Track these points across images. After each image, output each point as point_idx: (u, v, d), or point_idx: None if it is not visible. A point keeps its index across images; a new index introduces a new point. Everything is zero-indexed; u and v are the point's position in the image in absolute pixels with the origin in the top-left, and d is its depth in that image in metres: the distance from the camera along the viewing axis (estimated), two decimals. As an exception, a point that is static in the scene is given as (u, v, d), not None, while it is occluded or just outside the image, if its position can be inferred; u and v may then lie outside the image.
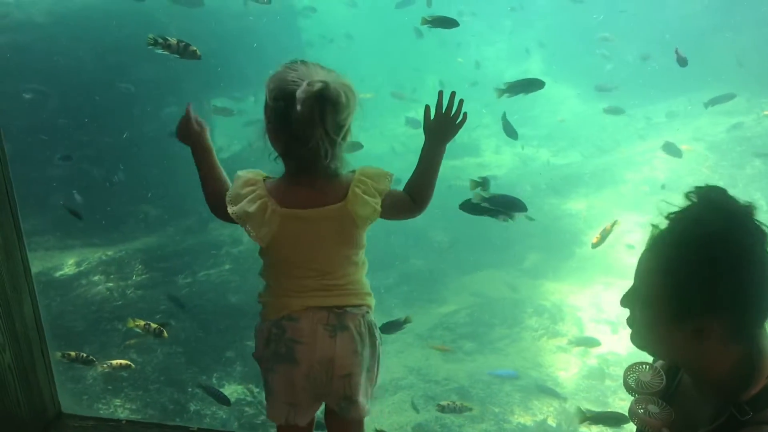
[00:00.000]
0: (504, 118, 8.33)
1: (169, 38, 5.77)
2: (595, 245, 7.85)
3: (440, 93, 2.27)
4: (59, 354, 5.91)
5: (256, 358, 2.30)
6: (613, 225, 7.68)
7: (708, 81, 14.05)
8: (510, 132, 8.49)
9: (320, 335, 2.17)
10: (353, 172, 2.21)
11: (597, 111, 16.30)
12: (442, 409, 7.10)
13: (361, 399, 2.24)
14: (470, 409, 7.30)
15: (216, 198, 2.25)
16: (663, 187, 12.73)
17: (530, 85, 6.59)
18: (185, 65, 6.32)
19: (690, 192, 1.73)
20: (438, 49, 18.63)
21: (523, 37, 21.43)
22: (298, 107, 1.97)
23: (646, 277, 1.79)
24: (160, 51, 5.65)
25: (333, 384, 2.20)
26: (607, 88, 14.21)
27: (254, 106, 13.17)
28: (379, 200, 2.18)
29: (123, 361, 6.76)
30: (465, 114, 2.27)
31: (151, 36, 5.63)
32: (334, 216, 2.15)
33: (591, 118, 17.22)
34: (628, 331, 1.91)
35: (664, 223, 1.76)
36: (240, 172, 2.23)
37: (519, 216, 5.11)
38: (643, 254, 1.81)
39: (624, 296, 1.88)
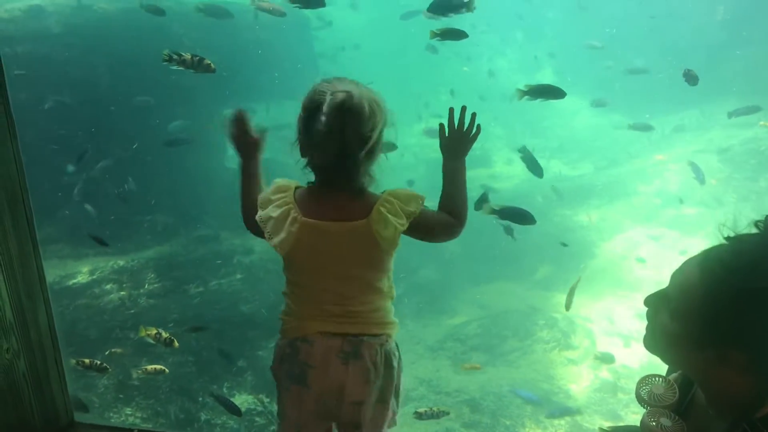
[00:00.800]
0: (527, 152, 7.75)
1: (183, 53, 5.84)
2: (567, 307, 7.77)
3: (451, 110, 2.27)
4: (73, 361, 5.94)
5: (273, 371, 2.29)
6: (577, 282, 7.64)
7: (720, 93, 14.00)
8: (534, 169, 7.81)
9: (333, 362, 2.14)
10: (383, 192, 2.17)
11: (608, 122, 16.27)
12: (420, 416, 7.02)
13: (369, 428, 2.22)
14: (447, 413, 7.26)
15: (252, 209, 2.24)
16: (681, 201, 12.66)
17: (551, 91, 6.44)
18: (198, 75, 6.35)
19: (760, 221, 1.67)
20: (449, 60, 18.63)
21: (535, 49, 21.40)
22: (323, 118, 1.96)
23: (685, 292, 1.72)
24: (174, 67, 5.71)
25: (343, 409, 2.18)
26: (604, 103, 14.14)
27: (265, 116, 13.23)
28: (404, 221, 2.11)
29: (158, 366, 6.77)
30: (479, 126, 2.26)
31: (165, 52, 5.70)
32: (354, 233, 2.10)
33: (603, 130, 17.16)
34: (641, 345, 1.88)
35: (723, 244, 1.68)
36: (277, 180, 2.23)
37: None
38: (690, 267, 1.73)
39: (651, 296, 1.84)
